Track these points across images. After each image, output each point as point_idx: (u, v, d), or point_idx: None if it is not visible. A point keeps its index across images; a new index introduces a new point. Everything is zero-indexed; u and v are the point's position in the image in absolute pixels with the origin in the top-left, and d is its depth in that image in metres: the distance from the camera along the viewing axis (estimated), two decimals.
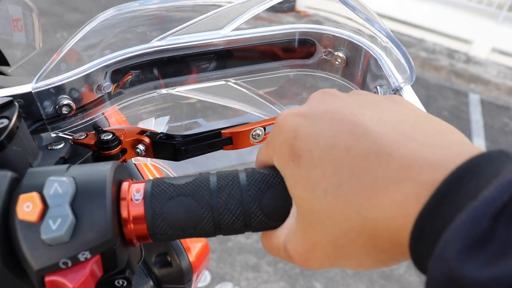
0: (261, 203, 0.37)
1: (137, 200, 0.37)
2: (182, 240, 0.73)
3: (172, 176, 0.46)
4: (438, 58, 5.04)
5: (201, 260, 0.76)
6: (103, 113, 0.54)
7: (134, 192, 0.37)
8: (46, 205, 0.34)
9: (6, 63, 0.95)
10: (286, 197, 0.36)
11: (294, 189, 0.35)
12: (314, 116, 0.35)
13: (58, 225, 0.33)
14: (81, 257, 0.34)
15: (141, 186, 0.38)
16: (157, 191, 0.37)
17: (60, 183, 0.34)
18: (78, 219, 0.34)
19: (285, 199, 0.36)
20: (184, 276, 0.73)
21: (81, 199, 0.34)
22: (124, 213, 0.36)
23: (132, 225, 0.36)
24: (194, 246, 0.75)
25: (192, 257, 0.73)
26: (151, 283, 0.73)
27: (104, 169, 0.36)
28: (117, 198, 0.37)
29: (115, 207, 0.36)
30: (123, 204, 0.37)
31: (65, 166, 0.37)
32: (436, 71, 4.96)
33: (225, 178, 0.38)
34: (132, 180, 0.39)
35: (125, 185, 0.38)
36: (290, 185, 0.35)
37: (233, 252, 2.26)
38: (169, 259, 0.73)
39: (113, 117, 0.65)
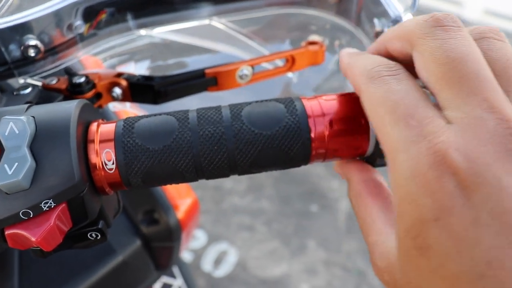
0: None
1: (107, 141, 0.33)
2: (169, 196, 0.69)
3: None
4: None
5: (190, 217, 0.72)
6: (75, 57, 0.49)
7: (104, 133, 0.33)
8: (1, 148, 0.30)
9: None
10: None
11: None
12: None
13: (14, 170, 0.29)
14: (44, 206, 0.30)
15: (111, 127, 0.33)
16: (130, 131, 0.33)
17: (16, 122, 0.30)
18: (39, 163, 0.30)
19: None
20: (173, 233, 0.70)
21: (41, 140, 0.30)
22: (92, 157, 0.32)
23: (102, 171, 0.32)
24: (182, 202, 0.71)
25: (180, 213, 0.70)
26: (139, 242, 0.70)
27: (68, 107, 0.32)
28: (84, 140, 0.32)
29: (82, 150, 0.32)
30: (91, 147, 0.32)
31: (25, 105, 0.33)
32: None
33: (206, 112, 0.34)
34: (102, 120, 0.35)
35: (93, 125, 0.34)
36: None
37: (227, 212, 2.25)
38: (156, 216, 0.70)
39: (90, 63, 0.60)
